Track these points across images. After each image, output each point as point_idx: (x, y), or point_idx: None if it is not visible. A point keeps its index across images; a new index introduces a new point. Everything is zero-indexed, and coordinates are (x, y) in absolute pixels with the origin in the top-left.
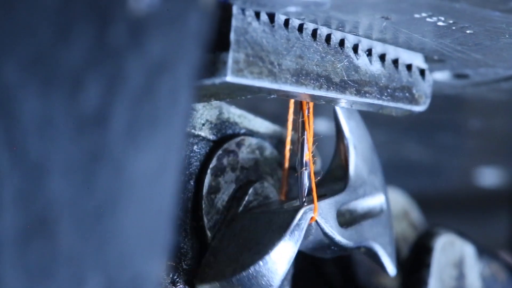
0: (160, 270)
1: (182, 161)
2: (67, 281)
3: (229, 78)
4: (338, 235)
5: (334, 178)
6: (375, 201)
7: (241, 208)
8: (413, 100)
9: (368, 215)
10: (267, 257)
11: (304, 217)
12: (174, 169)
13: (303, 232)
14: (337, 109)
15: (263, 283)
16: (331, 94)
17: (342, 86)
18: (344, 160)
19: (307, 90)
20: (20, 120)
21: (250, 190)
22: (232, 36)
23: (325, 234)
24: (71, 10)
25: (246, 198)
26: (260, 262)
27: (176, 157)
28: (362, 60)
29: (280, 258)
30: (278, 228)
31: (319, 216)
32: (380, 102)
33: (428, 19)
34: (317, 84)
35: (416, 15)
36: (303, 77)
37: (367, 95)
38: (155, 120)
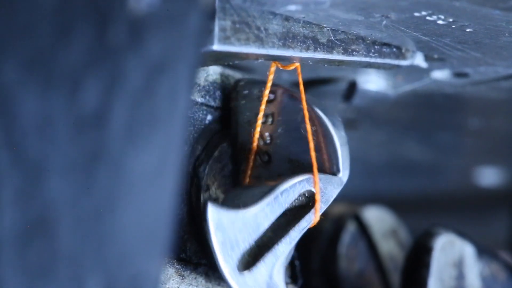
0: (160, 269)
1: (181, 160)
2: (67, 281)
3: (216, 46)
4: None
5: None
6: None
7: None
8: (400, 55)
9: None
10: None
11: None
12: (173, 168)
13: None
14: None
15: None
16: (319, 55)
17: (329, 46)
18: None
19: (294, 53)
20: (19, 120)
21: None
22: (217, 3)
23: None
24: (70, 10)
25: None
26: None
27: (175, 157)
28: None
29: None
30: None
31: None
32: (367, 59)
33: (428, 18)
34: (304, 46)
35: (416, 14)
36: (290, 40)
37: (354, 53)
38: (154, 120)
